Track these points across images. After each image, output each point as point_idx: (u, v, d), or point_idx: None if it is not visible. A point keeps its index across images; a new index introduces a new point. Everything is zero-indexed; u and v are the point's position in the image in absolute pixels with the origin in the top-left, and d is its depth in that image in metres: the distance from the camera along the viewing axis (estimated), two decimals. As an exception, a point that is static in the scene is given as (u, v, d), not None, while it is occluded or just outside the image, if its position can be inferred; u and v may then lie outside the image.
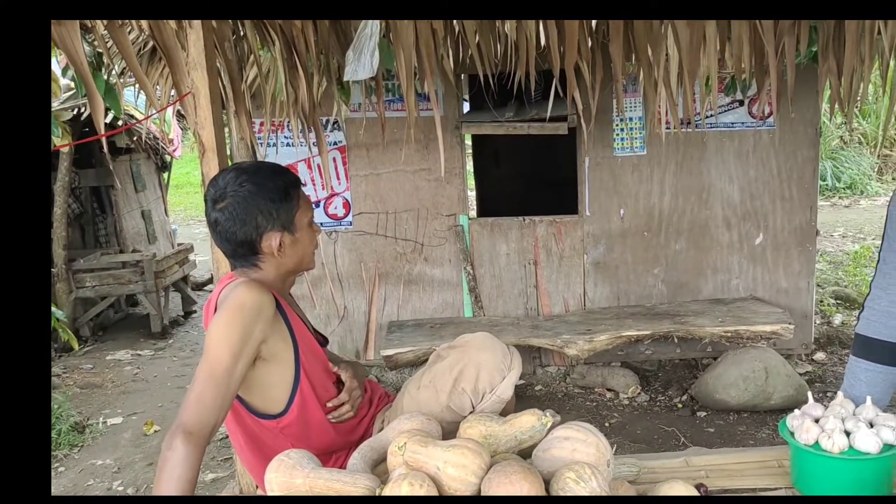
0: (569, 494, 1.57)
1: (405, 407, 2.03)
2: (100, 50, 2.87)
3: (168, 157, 8.05)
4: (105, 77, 3.06)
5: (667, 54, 2.54)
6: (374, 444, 1.88)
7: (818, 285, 6.06)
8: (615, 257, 4.85)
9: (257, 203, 1.86)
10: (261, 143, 4.58)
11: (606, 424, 4.20)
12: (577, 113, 3.11)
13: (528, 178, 7.13)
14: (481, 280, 4.87)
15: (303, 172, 4.69)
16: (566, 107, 4.00)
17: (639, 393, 4.58)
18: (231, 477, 3.64)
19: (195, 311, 7.05)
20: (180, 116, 7.37)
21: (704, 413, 4.30)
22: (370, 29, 2.14)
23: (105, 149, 3.58)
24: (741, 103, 4.65)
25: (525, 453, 1.81)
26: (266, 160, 3.94)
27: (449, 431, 1.90)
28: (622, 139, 4.70)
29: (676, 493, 1.71)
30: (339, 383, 2.09)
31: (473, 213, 6.49)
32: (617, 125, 4.67)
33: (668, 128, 4.39)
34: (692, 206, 4.79)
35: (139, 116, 6.18)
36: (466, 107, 5.33)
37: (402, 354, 4.30)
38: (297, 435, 1.96)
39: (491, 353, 1.99)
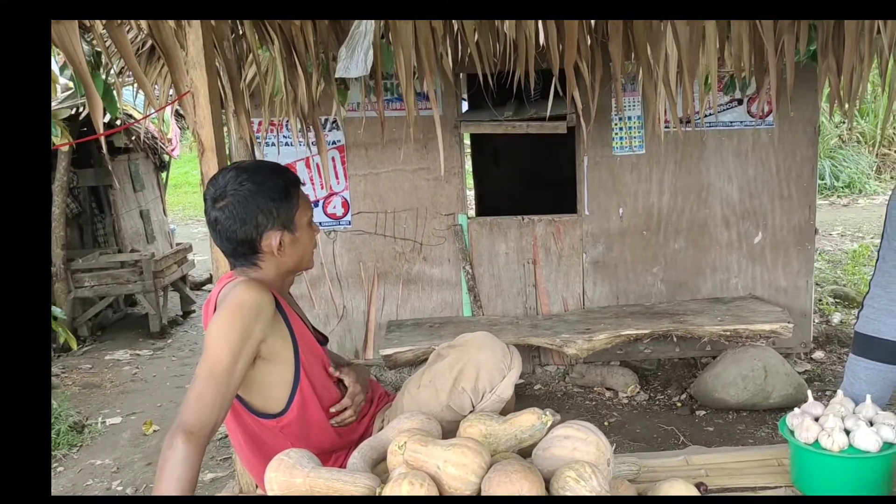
0: (569, 493, 1.56)
1: (405, 406, 2.03)
2: (98, 49, 2.87)
3: (166, 157, 8.04)
4: (103, 76, 3.05)
5: (666, 53, 2.53)
6: (374, 443, 1.88)
7: (817, 284, 6.06)
8: (614, 256, 4.85)
9: (257, 202, 1.86)
10: (260, 143, 4.58)
11: (606, 423, 4.20)
12: (576, 112, 3.10)
13: (528, 178, 7.13)
14: (480, 279, 4.87)
15: (302, 172, 4.69)
16: (565, 106, 4.01)
17: (638, 392, 4.58)
18: (231, 476, 3.64)
19: (194, 311, 7.04)
20: (179, 116, 7.37)
21: (703, 412, 4.30)
22: (364, 27, 2.13)
23: (104, 148, 3.58)
24: (740, 102, 4.65)
25: (525, 452, 1.80)
26: (266, 159, 3.96)
27: (449, 431, 1.90)
28: (621, 138, 4.70)
29: (677, 491, 1.71)
30: (341, 385, 2.09)
31: (472, 213, 6.50)
32: (616, 124, 4.67)
33: (667, 127, 4.39)
34: (691, 205, 4.79)
35: (137, 116, 6.17)
36: (465, 106, 5.33)
37: (401, 354, 4.30)
38: (297, 434, 1.96)
39: (491, 353, 1.99)
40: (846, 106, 2.80)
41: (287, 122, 3.78)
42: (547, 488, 1.61)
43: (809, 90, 4.44)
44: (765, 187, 4.77)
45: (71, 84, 4.89)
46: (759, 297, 4.83)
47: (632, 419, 4.28)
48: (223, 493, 2.70)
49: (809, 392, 2.22)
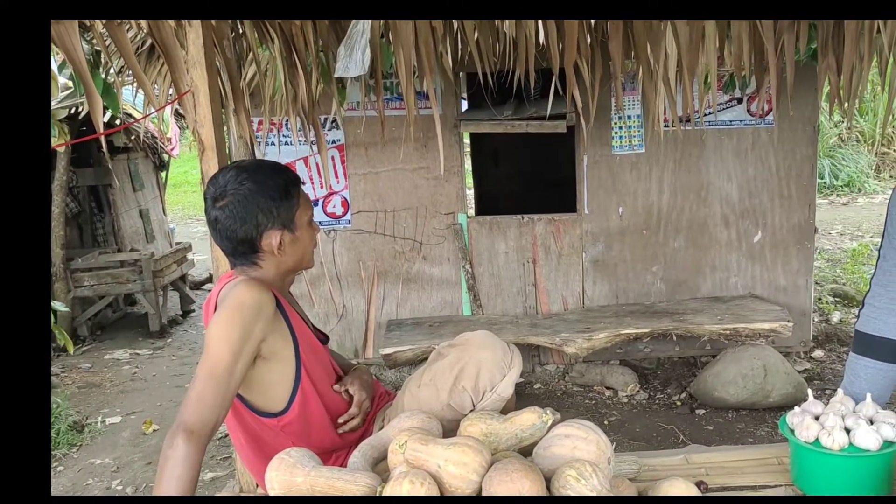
0: (570, 492, 1.57)
1: (406, 405, 2.03)
2: (98, 48, 2.87)
3: (166, 156, 8.04)
4: (103, 76, 3.05)
5: (666, 52, 2.53)
6: (375, 442, 1.88)
7: (816, 283, 6.06)
8: (614, 255, 4.85)
9: (257, 201, 1.86)
10: (260, 142, 4.58)
11: (605, 422, 4.20)
12: (575, 111, 3.11)
13: (527, 177, 7.13)
14: (480, 278, 4.87)
15: (301, 171, 4.69)
16: (565, 105, 4.01)
17: (638, 391, 4.58)
18: (231, 476, 3.64)
19: (193, 311, 7.04)
20: (178, 115, 7.36)
21: (703, 411, 4.30)
22: (362, 26, 2.13)
23: (103, 148, 3.58)
24: (740, 101, 4.65)
25: (526, 451, 1.81)
26: (266, 159, 3.95)
27: (449, 429, 1.90)
28: (621, 137, 4.70)
29: (677, 490, 1.71)
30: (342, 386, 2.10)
31: (472, 212, 6.50)
32: (616, 123, 4.68)
33: (666, 126, 4.39)
34: (691, 204, 4.79)
35: (137, 115, 6.17)
36: (465, 105, 5.33)
37: (401, 353, 4.30)
38: (298, 433, 1.96)
39: (491, 352, 1.99)
40: (846, 105, 2.80)
41: (287, 121, 3.78)
42: (548, 487, 1.61)
43: (809, 89, 4.45)
44: (764, 186, 4.77)
45: (70, 83, 4.89)
46: (758, 296, 4.84)
47: (631, 418, 4.28)
48: (223, 493, 2.71)
49: (809, 391, 2.22)
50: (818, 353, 4.96)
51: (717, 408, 4.30)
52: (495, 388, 1.97)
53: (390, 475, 1.69)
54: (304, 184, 2.01)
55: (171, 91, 4.10)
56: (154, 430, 4.41)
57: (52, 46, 1.94)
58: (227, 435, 3.74)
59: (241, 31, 3.05)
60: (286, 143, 4.59)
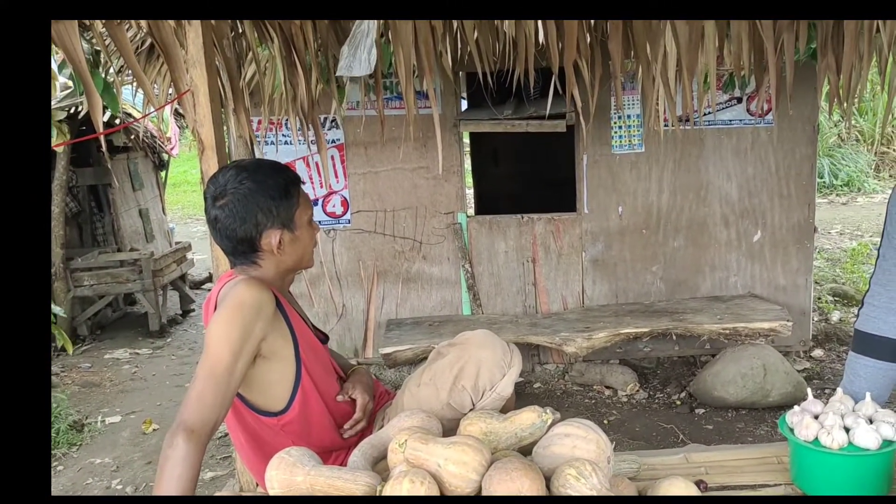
0: (570, 491, 1.57)
1: (405, 404, 2.03)
2: (98, 48, 2.87)
3: (165, 156, 8.04)
4: (103, 75, 3.05)
5: (665, 51, 2.54)
6: (375, 441, 1.88)
7: (816, 282, 6.07)
8: (613, 255, 4.85)
9: (257, 200, 1.86)
10: (259, 141, 4.58)
11: (605, 422, 4.20)
12: (575, 110, 3.11)
13: (527, 177, 7.13)
14: (480, 278, 4.87)
15: (301, 170, 4.69)
16: (564, 104, 4.01)
17: (637, 390, 4.58)
18: (231, 475, 3.65)
19: (193, 310, 7.04)
20: (178, 115, 7.36)
21: (703, 410, 4.31)
22: (366, 26, 2.13)
23: (103, 147, 3.58)
24: (739, 100, 4.65)
25: (525, 450, 1.81)
26: (265, 158, 3.95)
27: (449, 429, 1.90)
28: (620, 136, 4.70)
29: (677, 489, 1.71)
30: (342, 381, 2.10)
31: (471, 212, 6.50)
32: (615, 122, 4.68)
33: (666, 125, 4.39)
34: (690, 204, 4.80)
35: (137, 115, 6.17)
36: (465, 105, 5.33)
37: (401, 352, 4.30)
38: (298, 432, 1.96)
39: (491, 351, 1.99)
40: (845, 104, 2.80)
41: (286, 120, 3.78)
42: (547, 486, 1.61)
43: (809, 88, 4.45)
44: (764, 186, 4.77)
45: (70, 83, 4.89)
46: (758, 295, 4.84)
47: (631, 417, 4.28)
48: (223, 492, 2.70)
49: (809, 390, 2.23)
50: (818, 353, 4.97)
51: (716, 407, 4.30)
52: (495, 388, 1.97)
53: (390, 474, 1.69)
54: (304, 183, 2.02)
55: (170, 90, 4.10)
56: (154, 430, 4.41)
57: (52, 46, 1.94)
58: (227, 434, 3.75)
59: (240, 30, 3.05)
60: (286, 143, 4.59)
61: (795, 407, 2.04)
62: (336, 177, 4.76)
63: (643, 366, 4.89)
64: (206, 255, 8.39)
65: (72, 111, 5.68)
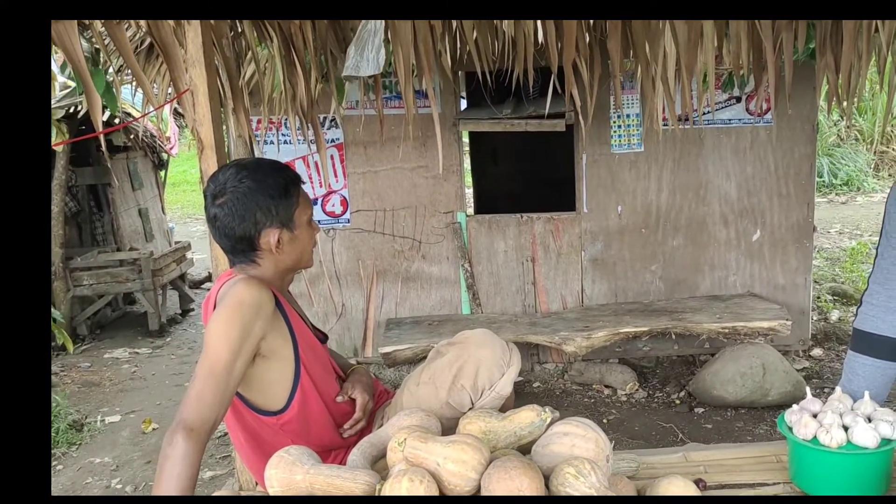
0: (569, 489, 1.57)
1: (405, 403, 2.04)
2: (97, 47, 2.87)
3: (165, 155, 8.04)
4: (103, 74, 3.05)
5: (664, 51, 2.54)
6: (374, 440, 1.88)
7: (815, 282, 6.07)
8: (613, 254, 4.85)
9: (256, 199, 1.86)
10: (259, 141, 4.58)
11: (604, 421, 4.21)
12: (574, 110, 3.11)
13: (526, 176, 7.13)
14: (479, 277, 4.88)
15: (300, 169, 4.69)
16: (564, 104, 4.01)
17: (637, 389, 4.58)
18: (230, 474, 3.65)
19: (193, 309, 7.05)
20: (177, 114, 7.37)
21: (702, 409, 4.31)
22: (372, 25, 2.14)
23: (102, 147, 3.58)
24: (738, 100, 4.66)
25: (524, 449, 1.81)
26: (266, 157, 3.95)
27: (448, 427, 1.90)
28: (620, 136, 4.70)
29: (676, 487, 1.71)
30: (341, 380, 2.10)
31: (471, 211, 6.50)
32: (614, 122, 4.68)
33: (665, 124, 4.39)
34: (689, 203, 4.80)
35: (136, 114, 6.17)
36: (464, 104, 5.33)
37: (401, 351, 4.31)
38: (298, 431, 1.96)
39: (490, 350, 1.99)
40: (844, 104, 2.81)
41: (286, 119, 3.78)
42: (546, 485, 1.61)
43: (808, 88, 4.45)
44: (763, 185, 4.77)
45: (69, 82, 4.89)
46: (757, 294, 4.84)
47: (630, 416, 4.28)
48: (223, 491, 2.70)
49: (808, 389, 2.23)
50: (817, 352, 4.97)
51: (715, 406, 4.30)
52: (494, 387, 1.97)
53: (389, 473, 1.70)
54: (304, 183, 2.02)
55: (170, 90, 4.10)
56: (153, 429, 4.42)
57: (52, 46, 1.94)
58: (226, 433, 3.75)
59: (239, 29, 3.05)
60: (285, 142, 4.60)
61: (794, 406, 2.04)
62: (335, 176, 4.76)
63: (642, 365, 4.90)
64: (205, 255, 8.39)
65: (71, 110, 5.68)
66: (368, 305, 4.92)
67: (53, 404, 4.44)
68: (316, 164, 4.74)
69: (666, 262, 4.87)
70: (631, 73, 4.30)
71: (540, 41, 2.56)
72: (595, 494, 1.56)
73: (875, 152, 12.38)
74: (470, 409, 1.96)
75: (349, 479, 1.66)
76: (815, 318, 5.39)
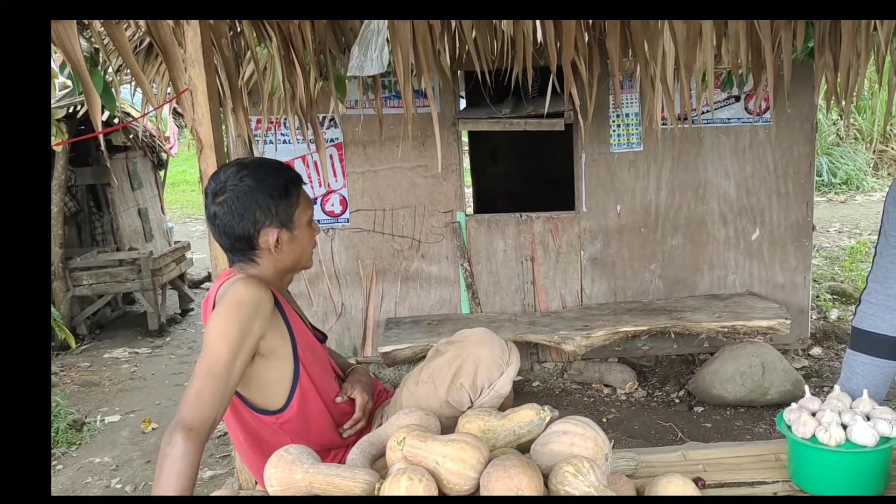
0: (568, 488, 1.57)
1: (404, 402, 2.04)
2: (96, 46, 2.87)
3: (164, 155, 8.04)
4: (102, 74, 3.05)
5: (663, 50, 2.54)
6: (373, 439, 1.88)
7: (814, 281, 6.08)
8: (612, 253, 4.86)
9: (256, 198, 1.87)
10: (258, 140, 4.58)
11: (604, 420, 4.21)
12: (573, 109, 3.11)
13: (526, 176, 7.13)
14: (478, 276, 4.88)
15: (300, 169, 4.68)
16: (563, 103, 4.01)
17: (636, 388, 4.59)
18: (230, 474, 3.65)
19: (192, 309, 7.05)
20: (177, 114, 7.36)
21: (701, 408, 4.31)
22: (376, 25, 2.14)
23: (102, 147, 3.58)
24: (737, 99, 4.66)
25: (523, 448, 1.81)
26: (268, 157, 3.95)
27: (447, 426, 1.90)
28: (619, 135, 4.71)
29: (675, 486, 1.71)
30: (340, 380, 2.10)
31: (470, 210, 6.50)
32: (613, 121, 4.68)
33: (664, 124, 4.39)
34: (689, 202, 4.80)
35: (135, 114, 6.17)
36: (463, 103, 5.33)
37: (400, 351, 4.31)
38: (297, 431, 1.96)
39: (489, 349, 1.99)
40: (843, 102, 2.81)
41: (285, 119, 3.78)
42: (545, 483, 1.62)
43: (806, 87, 4.45)
44: (762, 184, 4.78)
45: (68, 82, 4.88)
46: (756, 293, 4.84)
47: (630, 415, 4.29)
48: (222, 490, 2.70)
49: (807, 387, 2.23)
50: (816, 351, 4.97)
51: (715, 405, 4.31)
52: (493, 386, 1.97)
53: (389, 471, 1.70)
54: (305, 184, 2.02)
55: (169, 90, 4.10)
56: (153, 429, 4.42)
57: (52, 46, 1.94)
58: (226, 433, 3.75)
59: (239, 29, 3.05)
60: (284, 142, 4.60)
61: (793, 404, 2.04)
62: (335, 176, 4.76)
63: (642, 364, 4.90)
64: (204, 255, 8.39)
65: (70, 110, 5.68)
66: (368, 305, 4.93)
67: (53, 404, 4.44)
68: (315, 163, 4.74)
69: (665, 261, 4.87)
70: (630, 73, 4.30)
71: (539, 40, 2.56)
72: (594, 493, 1.56)
73: (874, 151, 12.37)
74: (469, 407, 1.96)
75: (348, 477, 1.66)
76: (814, 316, 5.40)
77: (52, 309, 4.35)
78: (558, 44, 2.32)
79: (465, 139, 6.70)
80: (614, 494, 1.59)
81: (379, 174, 4.76)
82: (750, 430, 4.03)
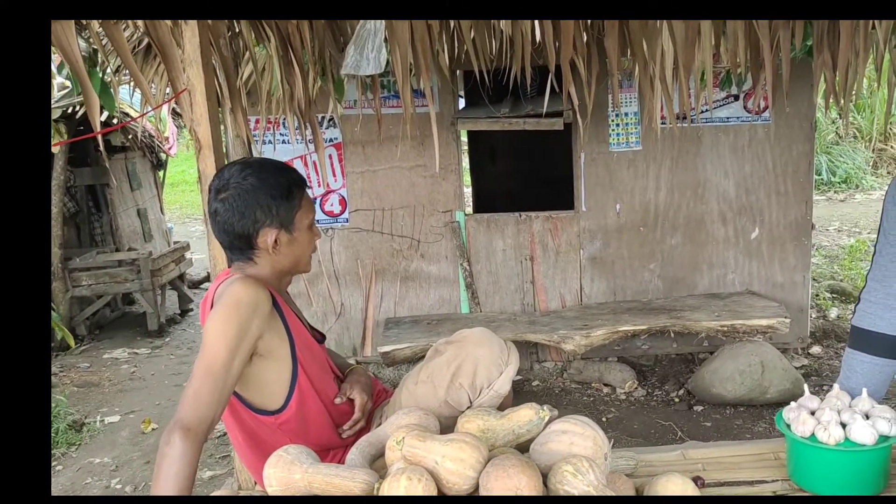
0: (567, 487, 1.57)
1: (403, 402, 2.04)
2: (95, 47, 2.87)
3: (163, 155, 8.04)
4: (100, 74, 3.05)
5: (662, 49, 2.54)
6: (373, 439, 1.88)
7: (814, 279, 6.07)
8: (611, 253, 4.86)
9: (258, 197, 1.87)
10: (257, 140, 4.58)
11: (603, 419, 4.21)
12: (572, 108, 3.11)
13: (525, 175, 7.13)
14: (478, 276, 4.88)
15: (299, 169, 4.67)
16: (562, 102, 4.01)
17: (636, 388, 4.59)
18: (229, 474, 3.65)
19: (192, 309, 7.05)
20: (175, 114, 7.36)
21: (701, 407, 4.32)
22: (372, 25, 2.14)
23: (101, 147, 3.58)
24: (736, 98, 4.66)
25: (523, 447, 1.81)
26: (267, 157, 3.95)
27: (447, 426, 1.90)
28: (618, 134, 4.71)
29: (674, 485, 1.71)
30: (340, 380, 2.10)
31: (469, 210, 6.50)
32: (612, 120, 4.68)
33: (663, 123, 4.39)
34: (688, 201, 4.80)
35: (134, 114, 6.17)
36: (462, 103, 5.33)
37: (400, 351, 4.31)
38: (296, 431, 1.96)
39: (488, 349, 1.99)
40: (842, 101, 2.81)
41: (284, 119, 3.78)
42: (545, 483, 1.62)
43: (805, 86, 4.45)
44: (761, 183, 4.78)
45: (67, 83, 4.88)
46: (755, 292, 4.84)
47: (629, 415, 4.29)
48: (222, 491, 2.70)
49: (806, 386, 2.23)
50: (815, 350, 4.97)
51: (714, 404, 4.31)
52: (492, 385, 1.97)
53: (388, 471, 1.70)
54: (309, 187, 2.01)
55: (167, 90, 4.10)
56: (153, 429, 4.42)
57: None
58: (225, 433, 3.74)
59: (237, 29, 3.04)
60: (283, 142, 4.60)
61: (792, 403, 2.05)
62: (334, 176, 4.76)
63: (641, 363, 4.90)
64: (204, 255, 8.38)
65: (69, 111, 5.68)
66: (367, 305, 4.93)
67: (53, 405, 4.44)
68: (314, 163, 4.74)
69: (664, 260, 4.88)
70: (629, 72, 4.30)
71: (537, 40, 2.56)
72: (593, 493, 1.56)
73: (874, 150, 12.38)
74: (468, 407, 1.96)
75: (348, 477, 1.66)
76: (813, 315, 5.40)
77: (52, 309, 4.35)
78: (557, 43, 2.32)
79: (464, 139, 6.70)
80: (613, 494, 1.59)
81: (378, 174, 4.76)
82: (749, 429, 4.03)
